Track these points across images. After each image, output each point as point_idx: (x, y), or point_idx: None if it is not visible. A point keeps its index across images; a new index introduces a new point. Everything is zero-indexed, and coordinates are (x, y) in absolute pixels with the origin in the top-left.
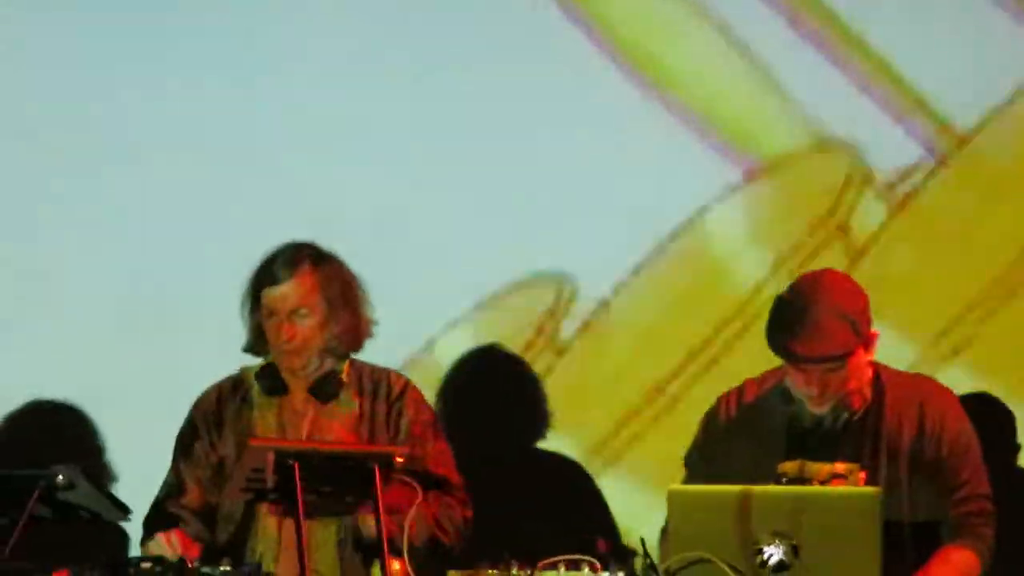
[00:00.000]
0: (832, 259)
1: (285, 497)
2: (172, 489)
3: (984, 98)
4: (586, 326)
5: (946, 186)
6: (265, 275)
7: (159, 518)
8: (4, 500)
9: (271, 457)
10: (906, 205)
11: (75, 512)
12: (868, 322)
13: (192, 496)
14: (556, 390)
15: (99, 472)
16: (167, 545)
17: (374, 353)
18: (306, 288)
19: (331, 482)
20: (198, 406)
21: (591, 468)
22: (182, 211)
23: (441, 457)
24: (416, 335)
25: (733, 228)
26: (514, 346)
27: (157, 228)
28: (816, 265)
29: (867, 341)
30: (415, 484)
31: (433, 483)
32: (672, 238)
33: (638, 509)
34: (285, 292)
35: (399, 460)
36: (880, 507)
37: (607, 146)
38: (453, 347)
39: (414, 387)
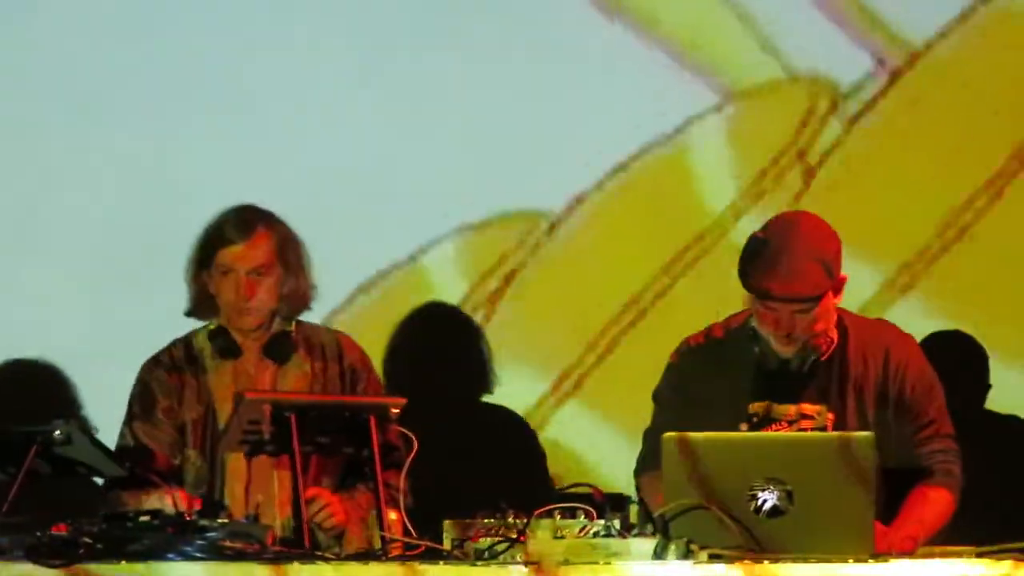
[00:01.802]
0: (793, 184)
1: (281, 449)
2: (136, 454)
3: (939, 13)
4: (555, 259)
5: (901, 104)
6: (218, 236)
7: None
8: (2, 456)
9: (268, 409)
10: (862, 127)
11: (73, 467)
12: (840, 265)
13: (160, 460)
14: (525, 322)
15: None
16: (171, 504)
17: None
18: (264, 248)
19: (327, 433)
20: (150, 370)
21: (563, 406)
22: (148, 169)
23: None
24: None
25: (704, 159)
26: (489, 281)
27: (121, 186)
28: (778, 191)
29: (837, 285)
30: (410, 434)
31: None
32: (642, 166)
33: (604, 442)
34: (243, 252)
35: (395, 411)
36: (874, 451)
37: (578, 78)
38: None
39: (361, 349)
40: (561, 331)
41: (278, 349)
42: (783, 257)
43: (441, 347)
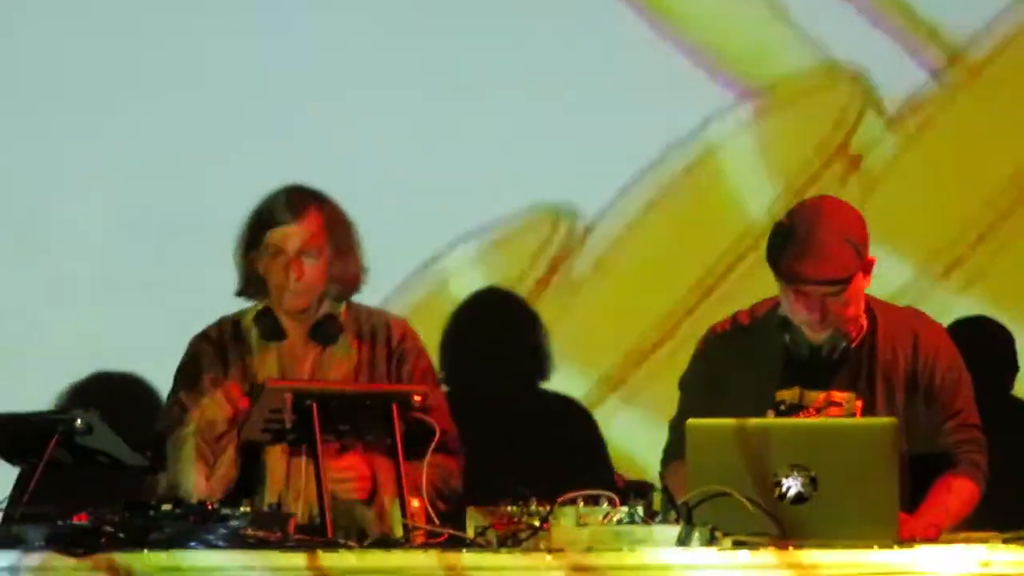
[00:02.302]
0: (836, 184)
1: (303, 438)
2: (180, 418)
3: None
4: (595, 260)
5: (947, 106)
6: (269, 216)
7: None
8: (24, 445)
9: (289, 398)
10: (909, 129)
11: (94, 457)
12: (868, 247)
13: None
14: (566, 326)
15: None
16: (224, 400)
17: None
18: (313, 230)
19: (349, 422)
20: (201, 341)
21: (604, 403)
22: (178, 151)
23: (439, 407)
24: (424, 273)
25: (742, 157)
26: (524, 282)
27: (152, 168)
28: (823, 191)
29: (867, 266)
30: (432, 422)
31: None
32: (683, 168)
33: (654, 443)
34: (293, 232)
35: (417, 399)
36: (897, 437)
37: (614, 76)
38: (461, 284)
39: (413, 333)
40: (601, 332)
41: (323, 332)
42: (812, 240)
43: (499, 333)
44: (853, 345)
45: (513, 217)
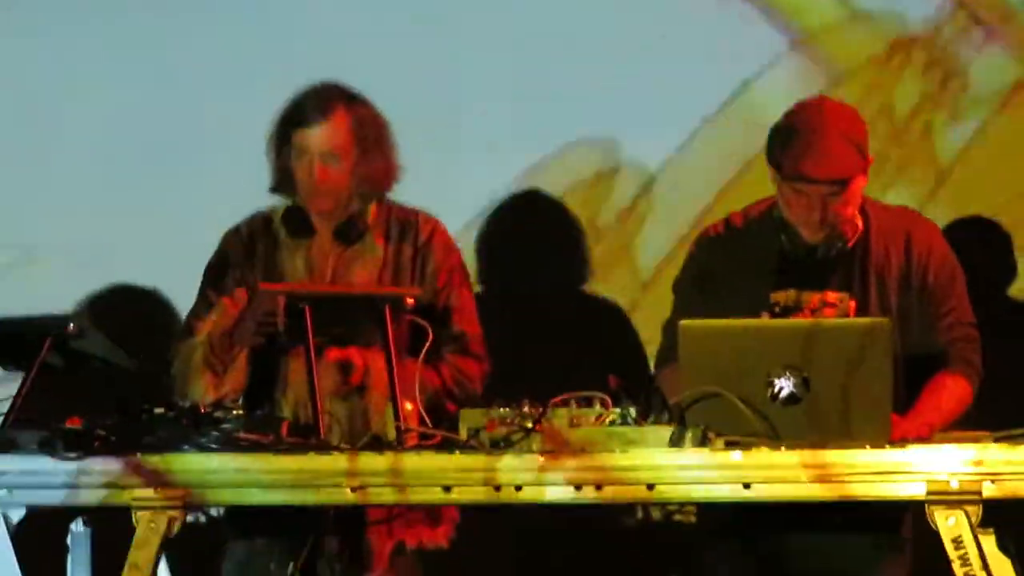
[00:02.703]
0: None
1: (296, 340)
2: (206, 316)
3: None
4: (632, 200)
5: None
6: (297, 115)
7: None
8: (16, 350)
9: (282, 301)
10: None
11: (87, 361)
12: (868, 148)
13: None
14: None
15: None
16: (231, 307)
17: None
18: (340, 130)
19: (342, 324)
20: (229, 238)
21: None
22: (195, 53)
23: (464, 307)
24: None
25: (776, 100)
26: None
27: (169, 72)
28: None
29: (866, 167)
30: (427, 324)
31: (451, 339)
32: (717, 110)
33: None
34: (318, 133)
35: (410, 301)
36: (891, 338)
37: (651, 20)
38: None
39: (443, 230)
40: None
41: (348, 231)
42: (815, 139)
43: (537, 234)
44: (848, 246)
45: (550, 153)
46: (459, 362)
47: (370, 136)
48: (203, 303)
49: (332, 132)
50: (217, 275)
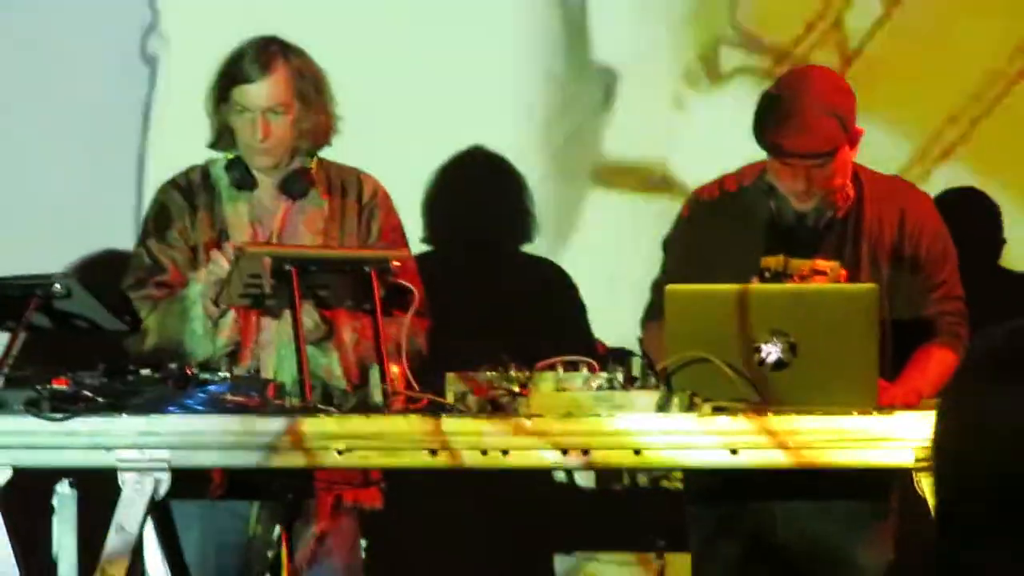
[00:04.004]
0: (826, 57)
1: (282, 302)
2: (151, 270)
3: None
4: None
5: None
6: (236, 72)
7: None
8: (1, 310)
9: (268, 262)
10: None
11: (73, 321)
12: (855, 118)
13: (173, 275)
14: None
15: None
16: (225, 260)
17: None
18: (280, 86)
19: (328, 286)
20: (167, 191)
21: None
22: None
23: (408, 266)
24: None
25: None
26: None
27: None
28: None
29: (853, 138)
30: (411, 287)
31: (397, 293)
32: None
33: None
34: (259, 90)
35: (395, 265)
36: (878, 303)
37: None
38: None
39: (384, 190)
40: None
41: (294, 185)
42: (796, 112)
43: (483, 194)
44: (839, 215)
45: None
46: (405, 319)
47: (310, 89)
48: (146, 256)
49: (273, 87)
50: (158, 227)
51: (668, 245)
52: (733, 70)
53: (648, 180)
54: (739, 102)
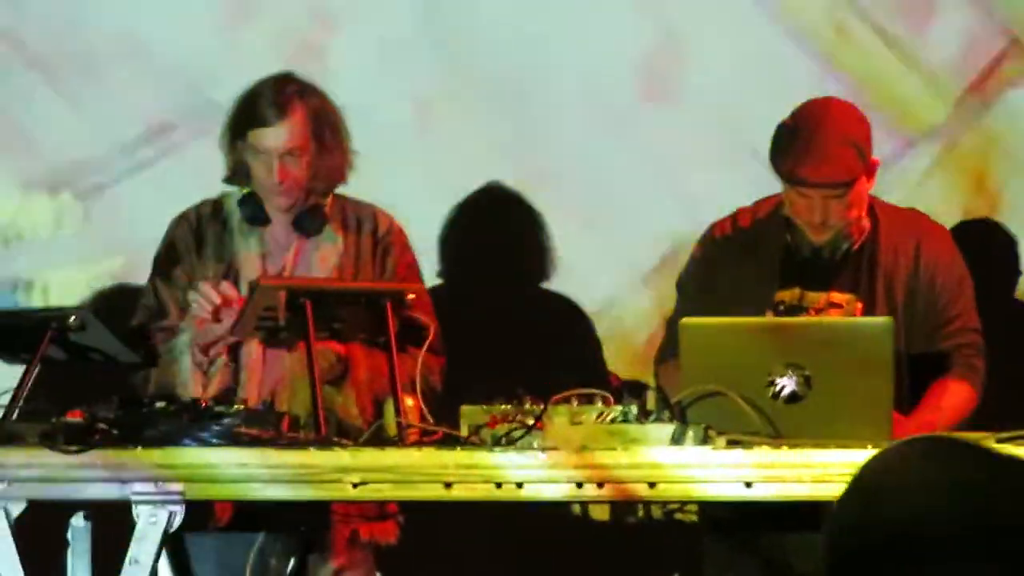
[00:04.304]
0: None
1: (297, 335)
2: (154, 313)
3: None
4: None
5: None
6: (253, 114)
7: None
8: (17, 342)
9: (283, 296)
10: None
11: (87, 354)
12: (872, 149)
13: (175, 318)
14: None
15: None
16: (214, 292)
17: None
18: (297, 128)
19: (343, 319)
20: (176, 228)
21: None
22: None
23: (422, 302)
24: None
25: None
26: None
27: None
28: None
29: (870, 169)
30: (426, 320)
31: (411, 328)
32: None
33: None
34: (276, 134)
35: (411, 297)
36: (892, 337)
37: None
38: None
39: (399, 225)
40: None
41: (308, 223)
42: (814, 142)
43: (500, 231)
44: (855, 247)
45: None
46: (420, 355)
47: (327, 130)
48: (153, 297)
49: (290, 131)
50: (165, 265)
51: (681, 285)
52: None
53: None
54: None
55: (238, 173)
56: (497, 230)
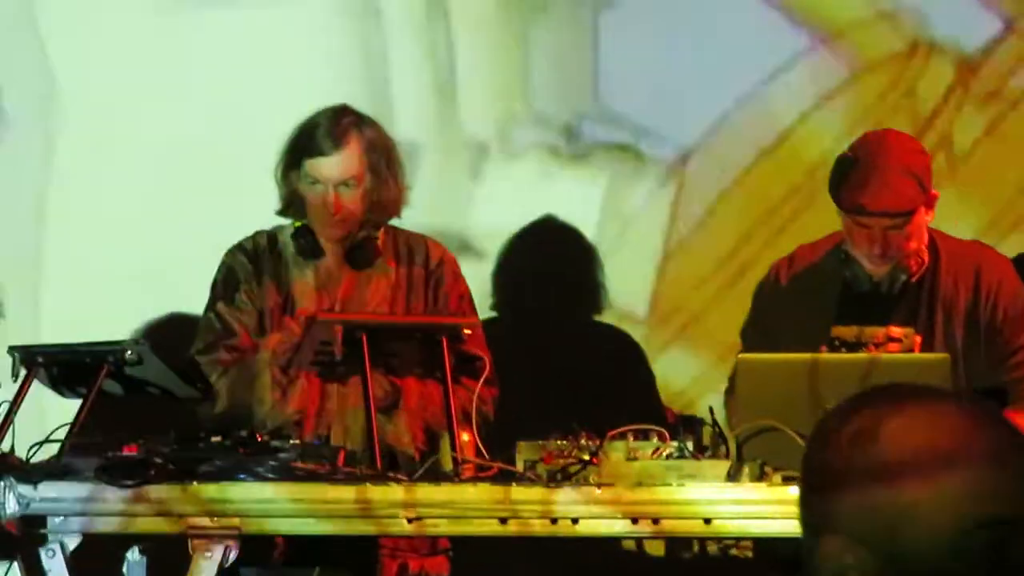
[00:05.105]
0: (899, 126)
1: (353, 369)
2: (221, 334)
3: None
4: (653, 195)
5: (1018, 53)
6: (310, 144)
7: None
8: (74, 376)
9: (339, 330)
10: (976, 73)
11: (144, 388)
12: (931, 180)
13: (243, 340)
14: (622, 262)
15: None
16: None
17: None
18: (353, 159)
19: (397, 354)
20: (234, 255)
21: (660, 338)
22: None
23: (476, 333)
24: None
25: (800, 97)
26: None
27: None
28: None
29: (930, 200)
30: (481, 354)
31: (464, 360)
32: (738, 107)
33: (708, 379)
34: (332, 164)
35: (467, 332)
36: (949, 373)
37: (673, 17)
38: None
39: (452, 257)
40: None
41: (360, 255)
42: (875, 172)
43: (553, 264)
44: (913, 280)
45: None
46: (474, 387)
47: (381, 161)
48: (215, 320)
49: (346, 161)
50: (227, 291)
51: (744, 333)
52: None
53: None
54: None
55: (292, 205)
56: (552, 262)
